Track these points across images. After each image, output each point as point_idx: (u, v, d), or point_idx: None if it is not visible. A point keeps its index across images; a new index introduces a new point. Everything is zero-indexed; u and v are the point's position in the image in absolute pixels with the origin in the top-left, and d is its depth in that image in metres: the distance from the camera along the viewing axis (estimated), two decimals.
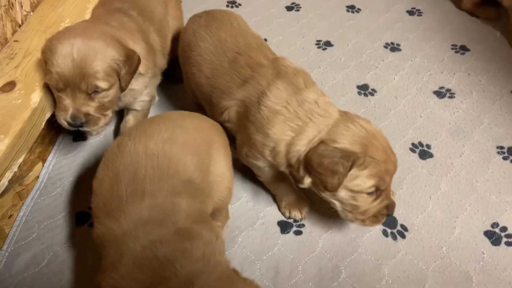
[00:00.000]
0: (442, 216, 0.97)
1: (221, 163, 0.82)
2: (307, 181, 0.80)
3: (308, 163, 0.79)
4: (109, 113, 0.96)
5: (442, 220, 0.96)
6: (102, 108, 0.92)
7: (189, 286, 0.56)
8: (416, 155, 1.10)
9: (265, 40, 1.44)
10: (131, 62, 0.93)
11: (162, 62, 1.15)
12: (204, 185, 0.75)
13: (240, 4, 1.63)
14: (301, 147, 0.80)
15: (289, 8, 1.61)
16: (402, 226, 0.95)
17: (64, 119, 0.90)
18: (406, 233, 0.94)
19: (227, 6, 1.61)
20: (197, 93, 1.04)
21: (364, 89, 1.29)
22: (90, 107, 0.90)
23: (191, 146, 0.76)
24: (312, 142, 0.79)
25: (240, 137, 0.92)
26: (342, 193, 0.79)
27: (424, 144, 1.13)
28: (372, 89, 1.29)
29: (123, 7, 1.05)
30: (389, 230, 0.95)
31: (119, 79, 0.93)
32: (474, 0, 1.52)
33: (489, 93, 1.27)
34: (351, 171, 0.75)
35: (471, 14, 1.56)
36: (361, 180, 0.76)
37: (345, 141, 0.78)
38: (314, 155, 0.78)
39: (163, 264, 0.59)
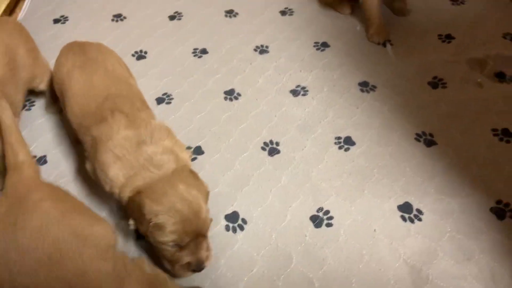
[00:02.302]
0: (278, 207, 1.14)
1: None
2: (131, 222, 0.96)
3: (127, 207, 0.96)
4: None
5: (277, 210, 1.14)
6: None
7: None
8: (265, 153, 1.26)
9: (145, 52, 1.57)
10: None
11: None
12: None
13: (125, 17, 1.72)
14: (127, 193, 0.95)
15: (171, 18, 1.72)
16: (242, 219, 1.12)
17: None
18: (245, 226, 1.11)
19: (113, 20, 1.71)
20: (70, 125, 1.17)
21: (230, 94, 1.43)
22: None
23: None
24: (134, 191, 0.94)
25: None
26: (151, 240, 0.94)
27: (274, 142, 1.29)
28: (238, 93, 1.43)
29: None
30: (231, 225, 1.11)
31: None
32: None
33: (339, 87, 1.43)
34: (152, 226, 0.90)
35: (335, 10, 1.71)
36: (161, 234, 0.90)
37: (155, 198, 0.91)
38: (129, 203, 0.94)
39: None
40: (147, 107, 1.15)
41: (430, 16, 1.63)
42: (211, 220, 0.96)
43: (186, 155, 1.03)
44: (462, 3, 1.68)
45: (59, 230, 0.82)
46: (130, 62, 1.52)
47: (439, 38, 1.55)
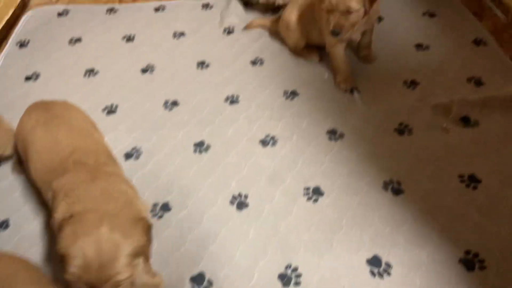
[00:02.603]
0: (246, 265, 1.12)
1: None
2: None
3: None
4: None
5: (245, 269, 1.11)
6: None
7: None
8: (234, 207, 1.25)
9: (116, 107, 1.57)
10: None
11: None
12: None
13: (97, 72, 1.74)
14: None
15: (144, 71, 1.74)
16: (209, 281, 1.09)
17: None
18: None
19: (85, 75, 1.72)
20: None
21: (200, 146, 1.43)
22: None
23: None
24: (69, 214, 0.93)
25: None
26: None
27: (243, 194, 1.28)
28: (207, 145, 1.43)
29: None
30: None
31: None
32: (299, 44, 1.71)
33: (307, 135, 1.44)
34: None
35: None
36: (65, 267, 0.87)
37: (75, 230, 0.90)
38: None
39: None
40: (114, 162, 1.14)
41: (396, 62, 1.67)
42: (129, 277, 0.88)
43: (143, 206, 1.01)
44: (427, 48, 1.73)
45: None
46: (100, 117, 1.53)
47: (405, 84, 1.58)
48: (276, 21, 1.80)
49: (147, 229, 0.95)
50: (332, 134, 1.44)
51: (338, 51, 1.58)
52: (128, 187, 1.04)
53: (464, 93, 1.50)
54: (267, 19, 1.89)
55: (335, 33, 1.41)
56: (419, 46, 1.74)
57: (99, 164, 1.07)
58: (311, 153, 1.38)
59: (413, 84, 1.57)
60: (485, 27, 1.80)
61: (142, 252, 0.92)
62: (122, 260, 0.86)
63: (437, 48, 1.72)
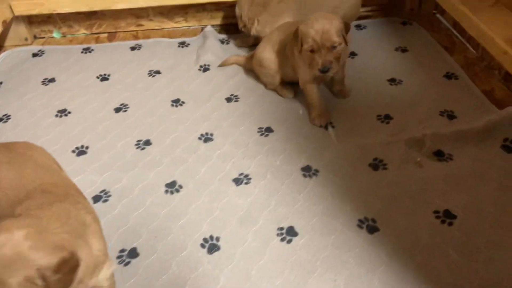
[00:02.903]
0: None
1: None
2: None
3: None
4: None
5: None
6: None
7: None
8: (205, 251, 1.20)
9: (87, 147, 1.54)
10: None
11: None
12: None
13: (70, 112, 1.71)
14: None
15: (117, 110, 1.72)
16: None
17: None
18: None
19: (57, 116, 1.69)
20: None
21: (171, 187, 1.39)
22: None
23: None
24: None
25: None
26: None
27: (214, 237, 1.23)
28: (179, 185, 1.39)
29: None
30: None
31: None
32: (273, 81, 1.71)
33: (281, 173, 1.42)
34: None
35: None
36: None
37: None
38: None
39: None
40: (85, 198, 1.09)
41: (369, 97, 1.68)
42: None
43: (89, 249, 0.90)
44: (400, 83, 1.74)
45: None
46: (70, 158, 1.49)
47: (378, 119, 1.58)
48: (251, 58, 1.81)
49: (70, 268, 0.81)
50: (307, 171, 1.41)
51: (312, 87, 1.58)
52: (92, 221, 0.98)
53: (437, 127, 1.50)
54: (242, 56, 1.90)
55: (324, 70, 1.43)
56: (392, 81, 1.75)
57: (68, 194, 1.02)
58: (285, 191, 1.35)
59: (387, 118, 1.57)
60: (457, 61, 1.83)
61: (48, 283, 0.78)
62: (15, 280, 0.74)
63: (410, 82, 1.74)
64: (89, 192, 1.37)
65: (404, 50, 1.92)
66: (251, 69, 1.83)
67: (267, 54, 1.69)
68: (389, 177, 1.36)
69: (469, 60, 1.85)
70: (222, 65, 1.90)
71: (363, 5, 2.19)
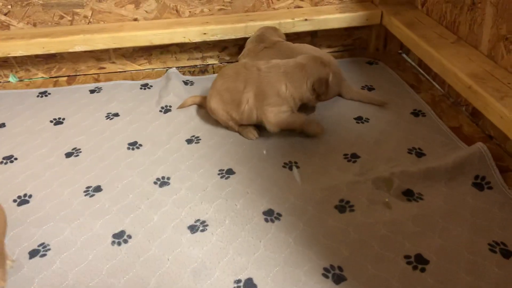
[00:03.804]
0: None
1: None
2: None
3: None
4: None
5: None
6: None
7: None
8: None
9: (30, 196, 1.41)
10: None
11: None
12: None
13: (16, 158, 1.59)
14: None
15: (68, 155, 1.60)
16: None
17: None
18: None
19: (1, 163, 1.57)
20: None
21: (118, 237, 1.26)
22: None
23: None
24: None
25: None
26: None
27: None
28: (128, 235, 1.26)
29: None
30: None
31: None
32: (230, 126, 1.65)
33: (241, 217, 1.30)
34: None
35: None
36: None
37: None
38: None
39: None
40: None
41: (336, 135, 1.61)
42: None
43: None
44: (367, 121, 1.69)
45: None
46: (10, 209, 1.35)
47: (345, 158, 1.50)
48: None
49: None
50: (269, 215, 1.30)
51: (294, 114, 1.58)
52: None
53: (406, 165, 1.43)
54: (199, 97, 1.84)
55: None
56: (359, 119, 1.70)
57: None
58: (245, 238, 1.23)
59: (353, 157, 1.50)
60: (423, 99, 1.80)
61: None
62: None
63: (377, 120, 1.69)
64: (25, 247, 1.23)
65: (370, 89, 1.89)
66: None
67: (215, 104, 1.63)
68: (357, 220, 1.25)
69: (436, 98, 1.82)
70: (181, 106, 1.83)
71: (328, 47, 2.19)
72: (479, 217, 1.23)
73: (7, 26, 1.99)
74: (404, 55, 2.17)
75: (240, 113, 1.59)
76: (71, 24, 2.02)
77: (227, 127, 1.68)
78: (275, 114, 1.54)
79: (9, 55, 1.94)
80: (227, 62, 2.21)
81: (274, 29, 1.92)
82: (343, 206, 1.30)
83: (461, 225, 1.22)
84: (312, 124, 1.58)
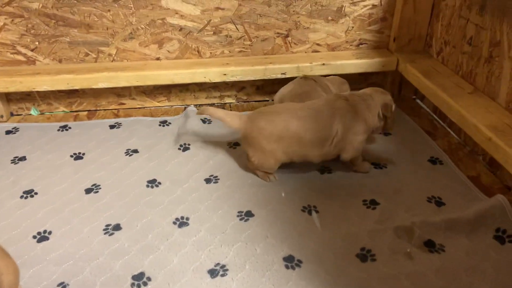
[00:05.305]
0: None
1: None
2: None
3: None
4: None
5: None
6: None
7: None
8: None
9: (49, 233, 1.41)
10: None
11: None
12: None
13: (36, 193, 1.60)
14: None
15: (88, 191, 1.61)
16: None
17: None
18: None
19: (22, 197, 1.58)
20: None
21: (138, 279, 1.25)
22: None
23: None
24: None
25: None
26: None
27: None
28: (148, 278, 1.25)
29: None
30: None
31: None
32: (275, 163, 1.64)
33: (262, 263, 1.29)
34: None
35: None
36: None
37: None
38: None
39: None
40: None
41: (354, 180, 1.62)
42: None
43: None
44: (385, 166, 1.70)
45: None
46: (29, 245, 1.35)
47: (364, 204, 1.50)
48: (246, 121, 1.59)
49: None
50: (289, 261, 1.30)
51: (363, 144, 1.61)
52: None
53: (426, 215, 1.43)
54: (225, 112, 1.65)
55: None
56: (376, 165, 1.71)
57: None
58: (265, 285, 1.22)
59: (373, 203, 1.50)
60: (440, 146, 1.82)
61: None
62: None
63: (394, 167, 1.70)
64: (45, 285, 1.22)
65: (386, 134, 1.91)
66: (234, 130, 1.65)
67: (273, 145, 1.54)
68: (378, 269, 1.24)
69: (452, 146, 1.84)
70: (199, 113, 1.72)
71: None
72: (502, 273, 1.22)
73: (33, 62, 2.05)
74: (418, 101, 2.21)
75: (324, 149, 1.54)
76: (96, 62, 2.07)
77: (258, 166, 1.62)
78: (359, 142, 1.57)
79: (33, 90, 1.98)
80: (244, 102, 2.25)
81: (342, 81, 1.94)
82: (364, 255, 1.30)
83: (483, 280, 1.20)
84: (365, 162, 1.66)
